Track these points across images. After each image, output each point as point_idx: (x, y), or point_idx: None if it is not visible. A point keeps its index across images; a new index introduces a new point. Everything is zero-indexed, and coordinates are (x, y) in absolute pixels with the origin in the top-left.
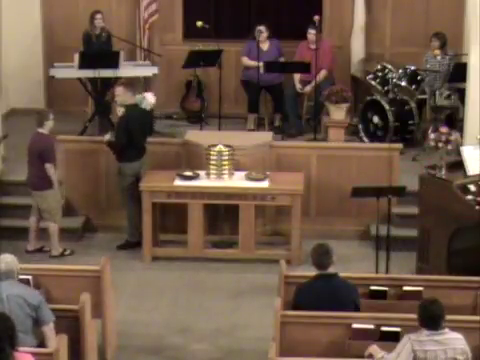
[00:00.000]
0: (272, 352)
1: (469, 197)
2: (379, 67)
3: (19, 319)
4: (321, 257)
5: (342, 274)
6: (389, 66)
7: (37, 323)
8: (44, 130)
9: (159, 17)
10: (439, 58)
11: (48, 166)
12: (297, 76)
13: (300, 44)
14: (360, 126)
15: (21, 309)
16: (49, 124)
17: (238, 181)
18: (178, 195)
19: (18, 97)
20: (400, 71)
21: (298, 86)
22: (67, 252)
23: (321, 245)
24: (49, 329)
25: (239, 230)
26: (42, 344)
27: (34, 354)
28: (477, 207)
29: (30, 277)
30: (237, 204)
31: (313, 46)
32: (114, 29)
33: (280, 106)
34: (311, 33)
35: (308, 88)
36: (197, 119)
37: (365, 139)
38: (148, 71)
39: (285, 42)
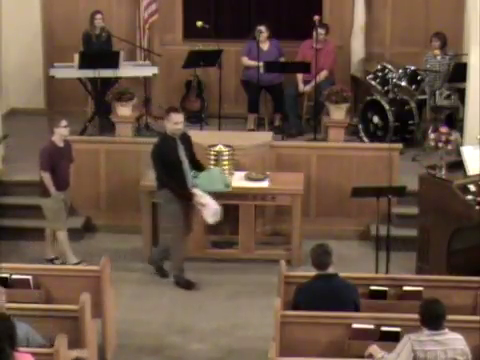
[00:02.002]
0: (272, 352)
1: (469, 197)
2: (379, 67)
3: None
4: (321, 257)
5: (342, 274)
6: (389, 66)
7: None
8: (54, 137)
9: (159, 17)
10: (439, 58)
11: (41, 173)
12: (300, 76)
13: (303, 43)
14: (360, 126)
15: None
16: (59, 131)
17: (238, 181)
18: None
19: (18, 97)
20: (400, 71)
21: (301, 87)
22: (58, 261)
23: (321, 245)
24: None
25: (239, 230)
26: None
27: (34, 354)
28: (477, 207)
29: (30, 277)
30: (237, 204)
31: (318, 46)
32: (114, 29)
33: (280, 106)
34: (321, 33)
35: (308, 88)
36: (197, 119)
37: (365, 139)
38: (148, 71)
39: (285, 42)
